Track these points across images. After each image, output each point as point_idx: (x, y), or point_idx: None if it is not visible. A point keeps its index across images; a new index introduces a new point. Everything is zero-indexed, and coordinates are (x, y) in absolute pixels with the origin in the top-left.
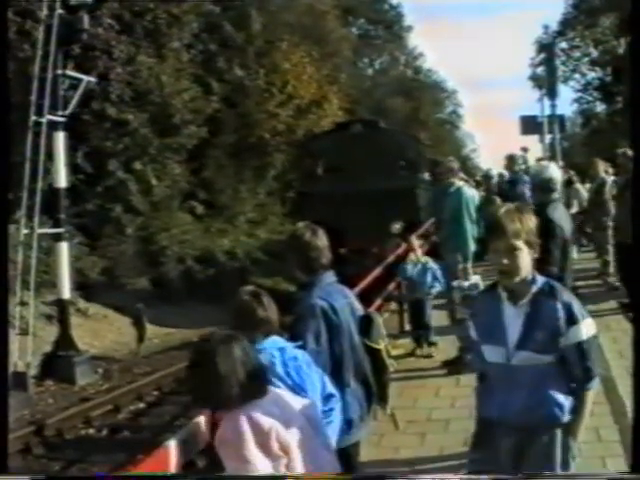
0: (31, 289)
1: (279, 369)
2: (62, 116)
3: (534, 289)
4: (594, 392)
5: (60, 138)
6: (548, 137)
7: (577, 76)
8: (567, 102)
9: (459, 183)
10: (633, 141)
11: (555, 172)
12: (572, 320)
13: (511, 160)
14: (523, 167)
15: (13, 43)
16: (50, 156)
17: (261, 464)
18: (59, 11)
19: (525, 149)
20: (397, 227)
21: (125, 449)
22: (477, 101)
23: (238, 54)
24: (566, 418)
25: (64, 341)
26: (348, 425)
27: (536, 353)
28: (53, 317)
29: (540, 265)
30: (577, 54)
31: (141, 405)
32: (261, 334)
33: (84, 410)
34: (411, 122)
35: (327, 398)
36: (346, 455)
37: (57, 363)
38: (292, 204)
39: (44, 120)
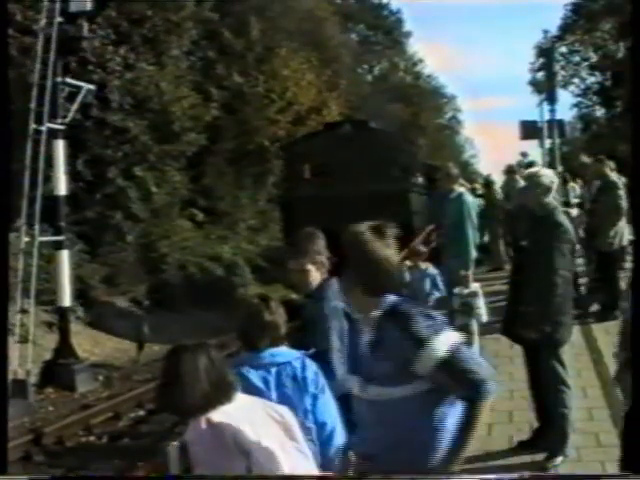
0: (31, 297)
1: (273, 390)
2: (62, 124)
3: (377, 313)
4: (484, 405)
5: (60, 146)
6: (548, 142)
7: (577, 81)
8: (567, 107)
9: (460, 189)
10: (633, 144)
11: (554, 178)
12: (421, 342)
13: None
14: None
15: (14, 59)
16: (50, 164)
17: (219, 464)
18: (58, 19)
19: (525, 154)
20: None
21: (125, 456)
22: (476, 106)
23: (237, 61)
24: (437, 456)
25: (64, 349)
26: None
27: (384, 387)
28: (53, 325)
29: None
30: (577, 59)
31: (141, 412)
32: (267, 340)
33: (84, 417)
34: (411, 128)
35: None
36: None
37: (57, 371)
38: (279, 210)
39: (44, 128)
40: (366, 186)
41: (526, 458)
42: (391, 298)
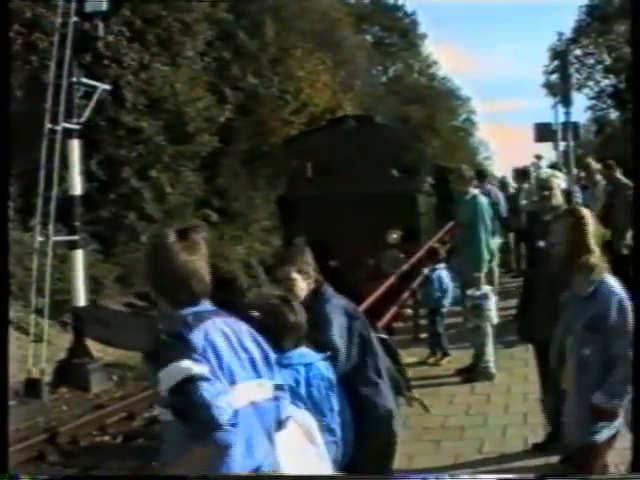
0: (46, 296)
1: (302, 389)
2: (77, 124)
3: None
4: (204, 451)
5: (75, 145)
6: (562, 144)
7: (591, 83)
8: (581, 109)
9: (474, 191)
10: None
11: (559, 180)
12: (161, 368)
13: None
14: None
15: (20, 55)
16: (65, 164)
17: None
18: (73, 19)
19: (539, 156)
20: (394, 236)
21: (140, 456)
22: (491, 109)
23: (252, 62)
24: None
25: (78, 348)
26: (388, 414)
27: (161, 407)
28: (68, 324)
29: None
30: (591, 61)
31: (155, 412)
32: (291, 341)
33: (98, 417)
34: (425, 129)
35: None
36: (389, 446)
37: (71, 370)
38: (278, 211)
39: (59, 128)
40: (371, 185)
41: (541, 460)
42: (179, 312)
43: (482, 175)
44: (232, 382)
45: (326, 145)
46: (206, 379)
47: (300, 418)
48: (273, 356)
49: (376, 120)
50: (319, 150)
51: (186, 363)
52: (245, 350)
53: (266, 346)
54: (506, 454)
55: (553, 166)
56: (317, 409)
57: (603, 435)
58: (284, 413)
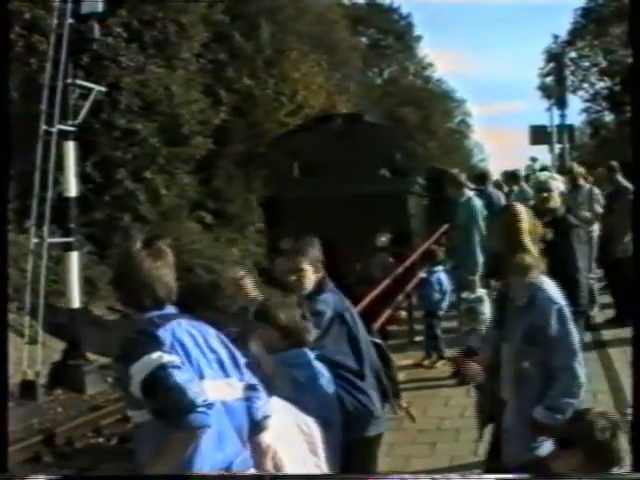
0: (41, 298)
1: (304, 388)
2: (72, 125)
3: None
4: (182, 437)
5: (70, 147)
6: (557, 147)
7: (586, 86)
8: (576, 112)
9: (469, 194)
10: (634, 149)
11: (557, 181)
12: (130, 365)
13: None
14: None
15: (20, 57)
16: (60, 165)
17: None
18: (69, 20)
19: (534, 159)
20: (383, 239)
21: (135, 458)
22: (486, 111)
23: (247, 64)
24: None
25: (73, 350)
26: (371, 415)
27: (132, 409)
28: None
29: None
30: (586, 64)
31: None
32: (286, 342)
33: (94, 419)
34: (421, 132)
35: None
36: (368, 445)
37: (66, 372)
38: (263, 212)
39: (54, 129)
40: (359, 186)
41: None
42: (144, 315)
43: (483, 177)
44: (200, 378)
45: (313, 144)
46: (177, 367)
47: (304, 426)
48: (242, 358)
49: (365, 118)
50: (306, 150)
51: (156, 354)
52: (212, 350)
53: (234, 348)
54: None
55: (544, 169)
56: (318, 407)
57: (545, 449)
58: (260, 413)
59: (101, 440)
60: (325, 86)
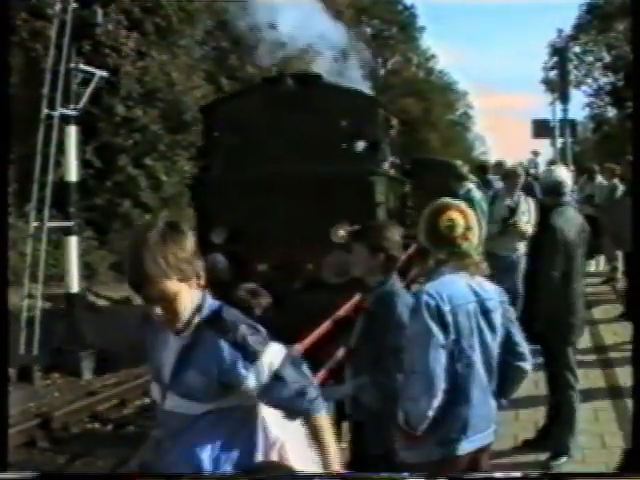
0: (39, 282)
1: None
2: (74, 110)
3: (197, 319)
4: (325, 416)
5: (72, 132)
6: (559, 141)
7: (589, 81)
8: (579, 107)
9: (469, 185)
10: (634, 146)
11: (564, 175)
12: (247, 360)
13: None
14: (533, 171)
15: (25, 42)
16: (61, 150)
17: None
18: (72, 5)
19: (536, 153)
20: (342, 233)
21: (131, 444)
22: (488, 103)
23: (250, 52)
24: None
25: (71, 335)
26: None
27: (187, 399)
28: (61, 310)
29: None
30: (590, 59)
31: (147, 400)
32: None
33: (90, 404)
34: (422, 123)
35: None
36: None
37: (64, 357)
38: (191, 197)
39: (56, 113)
40: (314, 164)
41: (530, 457)
42: (214, 305)
43: (485, 169)
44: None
45: (256, 112)
46: (291, 358)
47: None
48: None
49: (325, 80)
50: (246, 119)
51: (276, 347)
52: None
53: None
54: (496, 451)
55: (552, 163)
56: None
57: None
58: None
59: (97, 425)
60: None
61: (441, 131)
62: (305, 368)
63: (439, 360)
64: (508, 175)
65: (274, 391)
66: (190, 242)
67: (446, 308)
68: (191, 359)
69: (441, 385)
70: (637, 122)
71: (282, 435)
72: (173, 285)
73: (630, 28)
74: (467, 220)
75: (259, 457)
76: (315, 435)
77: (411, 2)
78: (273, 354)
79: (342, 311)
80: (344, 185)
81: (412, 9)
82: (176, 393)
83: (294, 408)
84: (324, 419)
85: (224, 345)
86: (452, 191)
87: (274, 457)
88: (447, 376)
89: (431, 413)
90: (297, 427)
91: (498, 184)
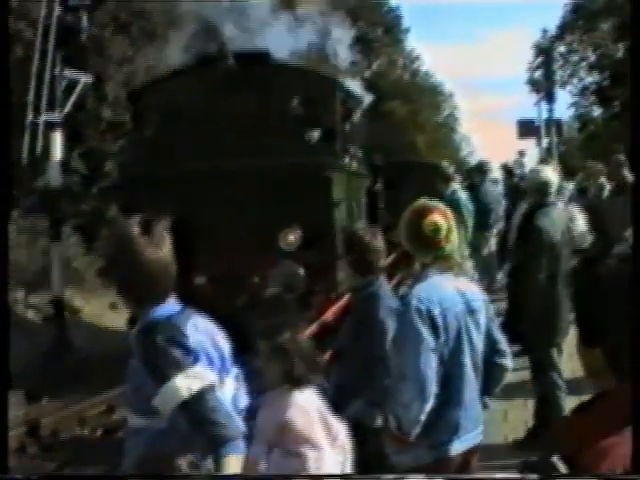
0: (26, 289)
1: None
2: (59, 116)
3: (137, 328)
4: (236, 458)
5: (57, 138)
6: (545, 141)
7: (575, 80)
8: (564, 106)
9: (454, 186)
10: (632, 146)
11: (550, 175)
12: (161, 375)
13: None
14: (519, 172)
15: (13, 50)
16: (47, 156)
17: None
18: (57, 11)
19: (522, 153)
20: (292, 238)
21: (120, 450)
22: (474, 105)
23: None
24: None
25: (59, 340)
26: None
27: (134, 414)
28: (49, 316)
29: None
30: (575, 58)
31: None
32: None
33: (79, 410)
34: (409, 125)
35: None
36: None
37: (52, 363)
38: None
39: (41, 120)
40: (258, 156)
41: (520, 458)
42: (155, 314)
43: (480, 170)
44: (221, 382)
45: (190, 97)
46: (214, 388)
47: (330, 423)
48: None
49: (273, 58)
50: (179, 105)
51: (194, 373)
52: (218, 348)
53: (227, 340)
54: (486, 451)
55: (542, 162)
56: None
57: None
58: (244, 402)
59: (86, 432)
60: None
61: (428, 133)
62: (222, 405)
63: (430, 364)
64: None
65: (180, 418)
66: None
67: (436, 311)
68: (130, 374)
69: (433, 389)
70: (636, 122)
71: (302, 436)
72: None
73: (630, 25)
74: (448, 222)
75: (326, 448)
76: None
77: (396, 3)
78: (186, 382)
79: (329, 314)
80: (295, 181)
81: (397, 11)
82: (128, 410)
83: (202, 439)
84: (228, 461)
85: (136, 361)
86: (437, 192)
87: (338, 448)
88: (438, 379)
89: (423, 417)
90: (317, 430)
91: (488, 186)
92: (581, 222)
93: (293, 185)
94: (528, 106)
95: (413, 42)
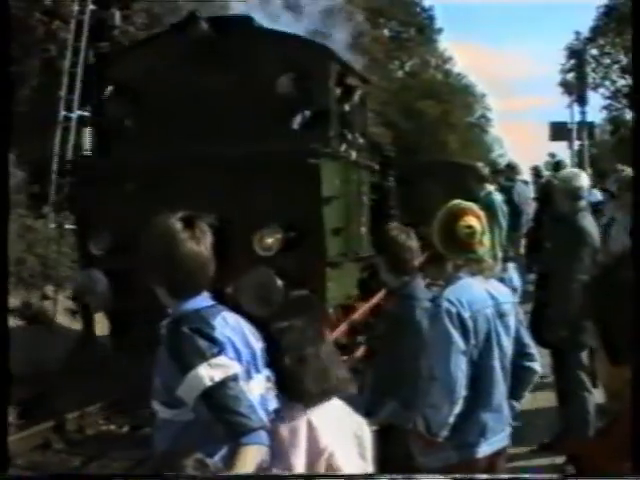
0: (56, 284)
1: None
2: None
3: (164, 322)
4: (256, 448)
5: (89, 134)
6: (577, 144)
7: (607, 83)
8: (596, 109)
9: (489, 188)
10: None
11: (585, 180)
12: (185, 364)
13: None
14: (548, 174)
15: (40, 43)
16: (79, 151)
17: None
18: (90, 7)
19: (553, 155)
20: (270, 240)
21: (145, 446)
22: (506, 106)
23: None
24: None
25: (87, 336)
26: None
27: (163, 406)
28: (77, 312)
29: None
30: (607, 61)
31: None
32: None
33: (105, 406)
34: (441, 125)
35: None
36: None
37: (79, 359)
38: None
39: (74, 115)
40: (234, 145)
41: (545, 461)
42: (186, 306)
43: (512, 171)
44: (248, 377)
45: (155, 71)
46: (237, 378)
47: (358, 429)
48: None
49: (254, 24)
50: (142, 81)
51: (218, 362)
52: (249, 345)
53: (259, 338)
54: (512, 453)
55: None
56: None
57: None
58: (274, 405)
59: (112, 427)
60: None
61: (460, 133)
62: (245, 396)
63: (460, 366)
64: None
65: (203, 408)
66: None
67: (466, 314)
68: (158, 365)
69: (462, 392)
70: (637, 123)
71: (333, 444)
72: None
73: (632, 32)
74: (482, 224)
75: (304, 465)
76: (232, 460)
77: (429, 4)
78: (210, 371)
79: (358, 314)
80: (276, 172)
81: (430, 11)
82: (155, 399)
83: (223, 428)
84: (248, 450)
85: (164, 352)
86: (471, 193)
87: (321, 465)
88: (467, 382)
89: (452, 420)
90: (347, 438)
91: (522, 187)
92: (621, 228)
93: (274, 177)
94: (560, 109)
95: (446, 42)
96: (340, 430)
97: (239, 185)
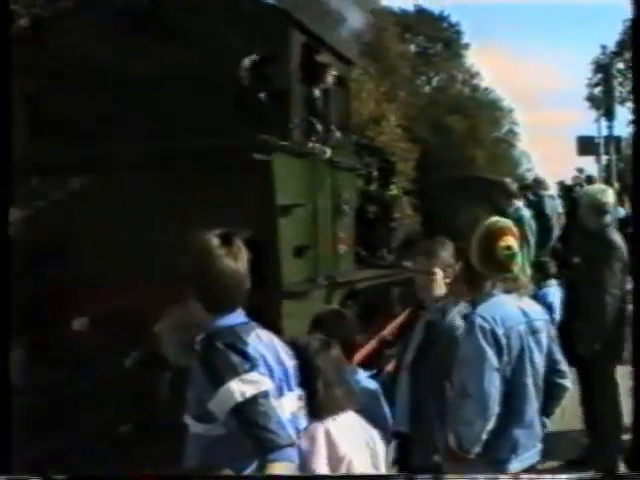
0: None
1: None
2: None
3: (201, 336)
4: (285, 465)
5: None
6: (604, 158)
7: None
8: (624, 123)
9: (518, 204)
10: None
11: (611, 196)
12: (218, 379)
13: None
14: (578, 189)
15: None
16: None
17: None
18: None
19: (581, 170)
20: None
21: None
22: (533, 120)
23: None
24: None
25: None
26: None
27: (195, 420)
28: None
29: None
30: None
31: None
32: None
33: None
34: (468, 140)
35: None
36: None
37: None
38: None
39: None
40: (172, 137)
41: (573, 477)
42: (221, 322)
43: (538, 186)
44: (280, 394)
45: (80, 46)
46: (268, 394)
47: (370, 441)
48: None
49: None
50: (65, 58)
51: (251, 378)
52: (281, 362)
53: (292, 356)
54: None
55: (590, 180)
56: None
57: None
58: (303, 423)
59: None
60: (373, 94)
61: (487, 148)
62: (275, 412)
63: (494, 383)
64: None
65: (233, 423)
66: None
67: (500, 331)
68: (192, 376)
69: (495, 409)
70: (637, 125)
71: (350, 452)
72: None
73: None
74: (518, 244)
75: (326, 472)
76: (260, 476)
77: (456, 19)
78: (241, 386)
79: (387, 331)
80: (212, 175)
81: (457, 26)
82: (188, 414)
83: (252, 444)
84: (275, 467)
85: (197, 366)
86: (500, 209)
87: (342, 472)
88: (500, 398)
89: (485, 436)
90: (361, 449)
91: (551, 202)
92: None
93: (216, 179)
94: (588, 123)
95: (473, 57)
96: (354, 441)
97: (183, 185)
